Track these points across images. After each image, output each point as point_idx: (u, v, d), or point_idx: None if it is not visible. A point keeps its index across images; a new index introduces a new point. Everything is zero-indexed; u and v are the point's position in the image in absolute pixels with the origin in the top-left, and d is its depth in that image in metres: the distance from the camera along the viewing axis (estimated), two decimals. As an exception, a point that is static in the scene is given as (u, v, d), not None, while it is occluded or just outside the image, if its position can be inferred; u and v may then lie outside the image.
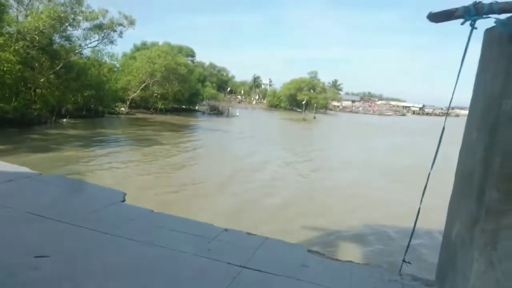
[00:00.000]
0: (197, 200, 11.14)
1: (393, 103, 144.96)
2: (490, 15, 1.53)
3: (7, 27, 22.89)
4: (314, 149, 25.42)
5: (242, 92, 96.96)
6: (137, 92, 39.93)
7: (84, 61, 30.42)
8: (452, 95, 2.13)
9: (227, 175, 14.89)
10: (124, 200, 3.88)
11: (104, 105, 33.67)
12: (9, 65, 20.85)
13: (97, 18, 28.12)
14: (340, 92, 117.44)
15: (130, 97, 39.99)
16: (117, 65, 42.78)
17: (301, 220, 9.87)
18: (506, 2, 1.51)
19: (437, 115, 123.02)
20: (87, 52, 31.29)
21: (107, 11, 28.61)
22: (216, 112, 52.47)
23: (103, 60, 34.32)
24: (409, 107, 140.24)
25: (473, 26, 1.57)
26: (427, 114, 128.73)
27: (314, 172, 17.27)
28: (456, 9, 1.60)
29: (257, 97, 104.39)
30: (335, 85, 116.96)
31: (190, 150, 21.00)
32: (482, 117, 1.64)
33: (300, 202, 11.90)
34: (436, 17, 1.70)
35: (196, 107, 54.52)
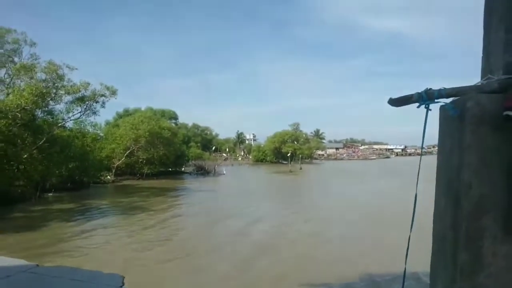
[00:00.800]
0: (196, 275, 10.93)
1: (376, 146, 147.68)
2: (440, 100, 1.76)
3: (-11, 106, 23.18)
4: (303, 201, 25.44)
5: (227, 149, 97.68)
6: (122, 159, 39.92)
7: (68, 133, 30.58)
8: (421, 151, 2.35)
9: (218, 242, 14.72)
10: (123, 285, 3.87)
11: (90, 175, 33.45)
12: (-8, 144, 20.88)
13: (79, 91, 28.65)
14: (324, 140, 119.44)
15: (115, 165, 39.89)
16: (101, 134, 43.02)
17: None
18: (452, 88, 1.74)
19: (419, 154, 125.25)
20: (70, 124, 31.56)
21: (88, 83, 29.23)
22: (203, 172, 52.48)
23: (87, 130, 34.57)
24: (392, 149, 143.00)
25: (427, 108, 1.79)
26: (410, 154, 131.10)
27: (306, 228, 17.20)
28: (412, 95, 1.83)
29: (242, 153, 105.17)
30: (317, 135, 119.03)
31: (177, 215, 20.79)
32: (447, 186, 1.81)
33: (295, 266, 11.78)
34: (396, 102, 1.93)
35: (183, 169, 54.50)
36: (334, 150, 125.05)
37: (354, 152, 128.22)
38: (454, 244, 1.72)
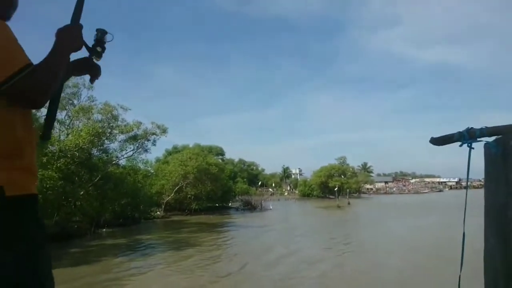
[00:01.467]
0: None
1: (427, 179, 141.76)
2: (481, 139, 1.79)
3: (50, 146, 24.87)
4: (354, 239, 24.70)
5: (273, 184, 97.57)
6: (171, 195, 40.97)
7: (121, 170, 32.00)
8: (467, 189, 2.34)
9: (271, 278, 14.58)
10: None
11: (141, 211, 34.53)
12: (52, 181, 22.24)
13: (132, 130, 30.20)
14: (372, 174, 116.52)
15: (165, 201, 40.97)
16: (151, 170, 44.61)
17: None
18: (494, 127, 1.77)
19: (475, 187, 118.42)
20: (123, 161, 33.09)
21: (140, 122, 30.82)
22: (250, 207, 52.56)
23: (138, 167, 36.02)
24: (445, 182, 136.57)
25: (470, 147, 1.82)
26: (465, 187, 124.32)
27: (359, 266, 16.65)
28: (453, 134, 1.87)
29: (288, 188, 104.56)
30: (365, 168, 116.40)
31: (225, 251, 20.83)
32: (495, 225, 1.80)
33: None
34: (438, 141, 1.97)
35: (229, 204, 54.92)
36: (383, 184, 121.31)
37: (404, 185, 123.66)
38: (506, 282, 1.70)
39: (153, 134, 31.47)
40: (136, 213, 34.20)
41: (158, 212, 39.88)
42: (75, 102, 29.80)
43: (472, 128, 1.81)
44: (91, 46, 1.92)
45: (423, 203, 60.58)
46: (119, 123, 29.42)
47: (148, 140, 31.41)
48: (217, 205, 49.75)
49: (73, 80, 29.66)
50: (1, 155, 1.51)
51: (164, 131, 31.90)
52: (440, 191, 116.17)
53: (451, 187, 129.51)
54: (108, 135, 28.92)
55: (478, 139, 1.79)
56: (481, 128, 1.78)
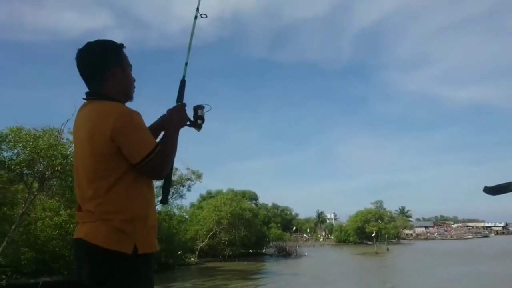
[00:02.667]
0: None
1: (471, 224, 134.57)
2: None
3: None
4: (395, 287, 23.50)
5: (308, 229, 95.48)
6: (205, 241, 40.80)
7: (157, 216, 32.32)
8: None
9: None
10: None
11: (175, 257, 34.43)
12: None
13: (168, 176, 30.77)
14: (410, 219, 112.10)
15: (199, 247, 40.77)
16: (186, 216, 44.85)
17: None
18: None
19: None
20: (158, 207, 33.49)
21: (176, 169, 31.42)
22: (284, 253, 51.37)
23: (173, 213, 36.33)
24: (490, 227, 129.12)
25: (521, 198, 1.81)
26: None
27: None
28: (508, 184, 1.87)
29: (323, 233, 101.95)
30: (403, 212, 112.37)
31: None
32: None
33: None
34: (492, 191, 1.96)
35: (263, 250, 53.92)
36: (423, 229, 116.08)
37: (446, 230, 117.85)
38: None
39: (188, 180, 31.99)
40: (171, 260, 34.11)
41: (192, 259, 39.63)
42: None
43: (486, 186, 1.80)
44: (192, 119, 2.35)
45: (468, 250, 57.30)
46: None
47: (184, 186, 31.90)
48: (251, 251, 48.95)
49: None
50: (137, 217, 1.92)
51: (199, 176, 32.41)
52: (486, 236, 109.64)
53: (497, 232, 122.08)
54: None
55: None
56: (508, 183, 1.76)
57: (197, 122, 2.34)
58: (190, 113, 2.34)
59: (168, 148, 2.03)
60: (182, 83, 2.44)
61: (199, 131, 2.37)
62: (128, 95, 2.17)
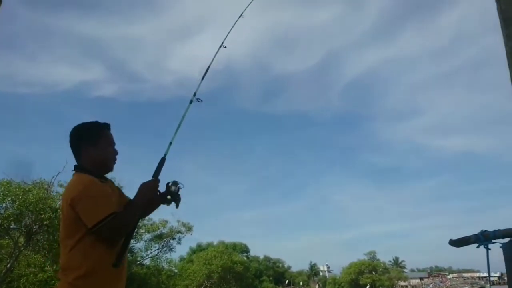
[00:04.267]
0: None
1: (466, 275, 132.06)
2: (496, 240, 1.97)
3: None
4: None
5: (301, 283, 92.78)
6: (195, 296, 39.42)
7: (145, 271, 31.40)
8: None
9: None
10: None
11: (163, 314, 33.08)
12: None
13: (158, 229, 30.26)
14: (405, 270, 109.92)
15: (189, 303, 39.31)
16: (175, 270, 43.55)
17: None
18: (506, 229, 1.95)
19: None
20: (147, 261, 32.60)
21: (166, 221, 30.92)
22: (277, 308, 49.66)
23: (162, 267, 35.27)
24: (485, 277, 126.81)
25: (487, 248, 2.00)
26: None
27: None
28: (470, 237, 2.06)
29: (317, 286, 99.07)
30: (397, 263, 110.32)
31: None
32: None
33: None
34: (456, 243, 2.15)
35: (255, 305, 52.09)
36: (418, 280, 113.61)
37: (442, 282, 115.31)
38: None
39: (179, 232, 31.41)
40: (159, 317, 32.76)
41: (181, 315, 38.05)
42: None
43: (486, 230, 2.00)
44: (165, 196, 2.50)
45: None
46: (146, 222, 29.62)
47: (174, 238, 31.26)
48: (242, 306, 47.27)
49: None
50: (89, 274, 2.17)
51: (189, 229, 31.85)
52: (482, 287, 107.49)
53: (493, 283, 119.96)
54: (135, 234, 28.95)
55: (494, 241, 1.96)
56: (495, 231, 1.97)
57: (167, 198, 2.48)
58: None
59: (124, 219, 2.26)
60: (162, 161, 2.60)
61: (168, 205, 2.52)
62: (105, 167, 2.51)
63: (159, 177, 2.53)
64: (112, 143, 2.56)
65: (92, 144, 2.46)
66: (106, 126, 2.55)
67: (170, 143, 2.67)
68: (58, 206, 17.32)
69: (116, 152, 2.55)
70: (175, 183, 2.47)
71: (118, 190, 2.62)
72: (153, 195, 2.44)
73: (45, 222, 17.31)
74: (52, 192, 19.49)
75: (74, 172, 2.45)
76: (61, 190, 20.80)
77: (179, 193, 2.50)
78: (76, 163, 2.49)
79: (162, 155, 2.62)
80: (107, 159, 2.51)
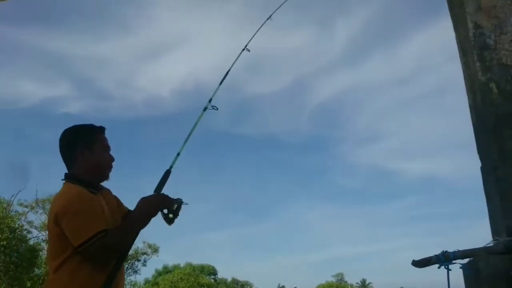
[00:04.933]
0: None
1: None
2: (456, 261, 2.03)
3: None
4: None
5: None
6: (160, 321, 38.20)
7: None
8: None
9: None
10: None
11: None
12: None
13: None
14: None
15: (153, 328, 38.02)
16: (140, 293, 42.22)
17: None
18: (464, 250, 2.01)
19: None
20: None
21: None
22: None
23: (126, 291, 34.14)
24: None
25: (447, 269, 2.05)
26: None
27: None
28: (431, 257, 2.11)
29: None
30: (364, 285, 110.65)
31: None
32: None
33: None
34: (419, 264, 2.20)
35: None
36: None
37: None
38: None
39: (144, 254, 30.58)
40: None
41: None
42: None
43: (446, 251, 2.05)
44: (166, 212, 2.21)
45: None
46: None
47: (139, 260, 30.37)
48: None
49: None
50: None
51: (155, 250, 31.06)
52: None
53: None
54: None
55: (453, 262, 2.02)
56: (454, 251, 2.02)
57: (169, 217, 2.21)
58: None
59: (116, 238, 2.00)
60: (167, 173, 2.32)
61: (169, 225, 2.23)
62: (100, 175, 2.25)
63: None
64: (108, 148, 2.29)
65: (89, 148, 2.19)
66: (102, 130, 2.31)
67: (178, 154, 2.39)
68: (16, 226, 16.62)
69: (112, 159, 2.29)
70: (178, 200, 2.23)
71: (116, 200, 2.35)
72: (154, 212, 2.15)
73: (1, 243, 16.49)
74: (11, 211, 18.65)
75: (64, 181, 2.17)
76: (20, 209, 19.96)
77: (180, 211, 2.25)
78: (67, 171, 2.21)
79: (168, 167, 2.33)
80: (104, 166, 2.25)
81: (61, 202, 2.04)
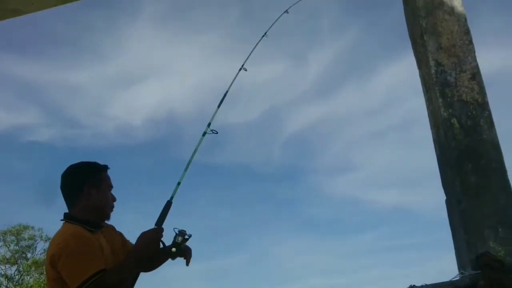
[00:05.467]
0: None
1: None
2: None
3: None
4: None
5: None
6: None
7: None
8: None
9: None
10: None
11: None
12: None
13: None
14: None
15: None
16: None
17: None
18: (432, 284, 2.01)
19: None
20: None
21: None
22: None
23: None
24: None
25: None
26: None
27: None
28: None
29: None
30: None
31: None
32: None
33: None
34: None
35: None
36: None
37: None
38: None
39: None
40: None
41: None
42: (29, 255, 27.96)
43: (414, 286, 2.05)
44: (170, 245, 2.08)
45: None
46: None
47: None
48: None
49: (30, 232, 28.38)
50: None
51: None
52: None
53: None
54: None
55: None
56: (422, 286, 2.02)
57: (171, 251, 2.07)
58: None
59: (115, 278, 1.89)
60: (168, 205, 2.19)
61: (173, 260, 2.13)
62: (102, 214, 2.16)
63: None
64: (111, 187, 2.21)
65: (97, 187, 2.10)
66: (106, 168, 2.22)
67: (179, 183, 2.27)
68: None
69: (114, 199, 2.22)
70: (182, 233, 2.08)
71: (121, 237, 2.25)
72: (155, 247, 2.02)
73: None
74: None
75: (63, 221, 2.07)
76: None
77: (187, 244, 2.11)
78: (67, 211, 2.11)
79: (168, 198, 2.21)
80: (107, 206, 2.16)
81: (57, 242, 1.94)
